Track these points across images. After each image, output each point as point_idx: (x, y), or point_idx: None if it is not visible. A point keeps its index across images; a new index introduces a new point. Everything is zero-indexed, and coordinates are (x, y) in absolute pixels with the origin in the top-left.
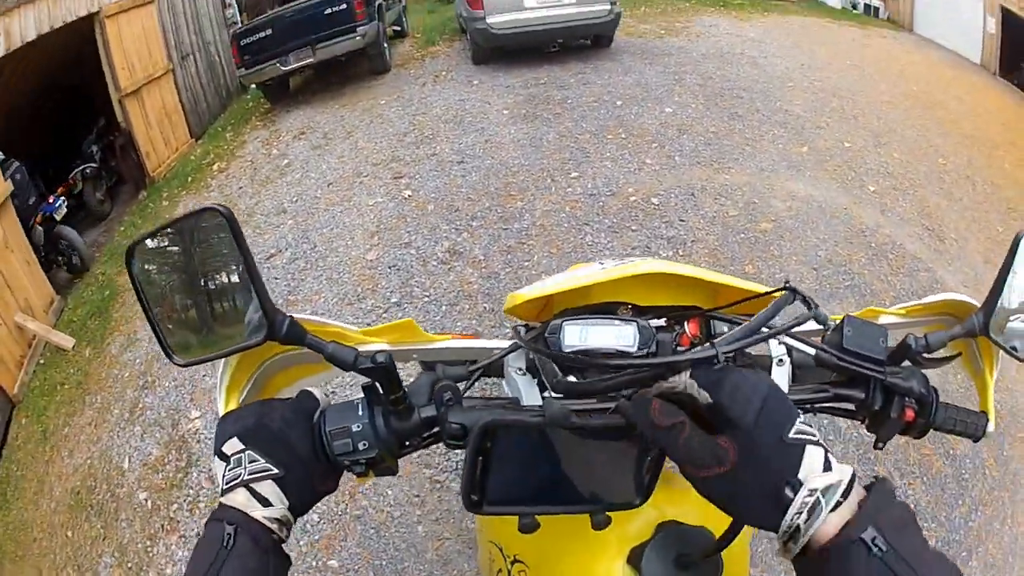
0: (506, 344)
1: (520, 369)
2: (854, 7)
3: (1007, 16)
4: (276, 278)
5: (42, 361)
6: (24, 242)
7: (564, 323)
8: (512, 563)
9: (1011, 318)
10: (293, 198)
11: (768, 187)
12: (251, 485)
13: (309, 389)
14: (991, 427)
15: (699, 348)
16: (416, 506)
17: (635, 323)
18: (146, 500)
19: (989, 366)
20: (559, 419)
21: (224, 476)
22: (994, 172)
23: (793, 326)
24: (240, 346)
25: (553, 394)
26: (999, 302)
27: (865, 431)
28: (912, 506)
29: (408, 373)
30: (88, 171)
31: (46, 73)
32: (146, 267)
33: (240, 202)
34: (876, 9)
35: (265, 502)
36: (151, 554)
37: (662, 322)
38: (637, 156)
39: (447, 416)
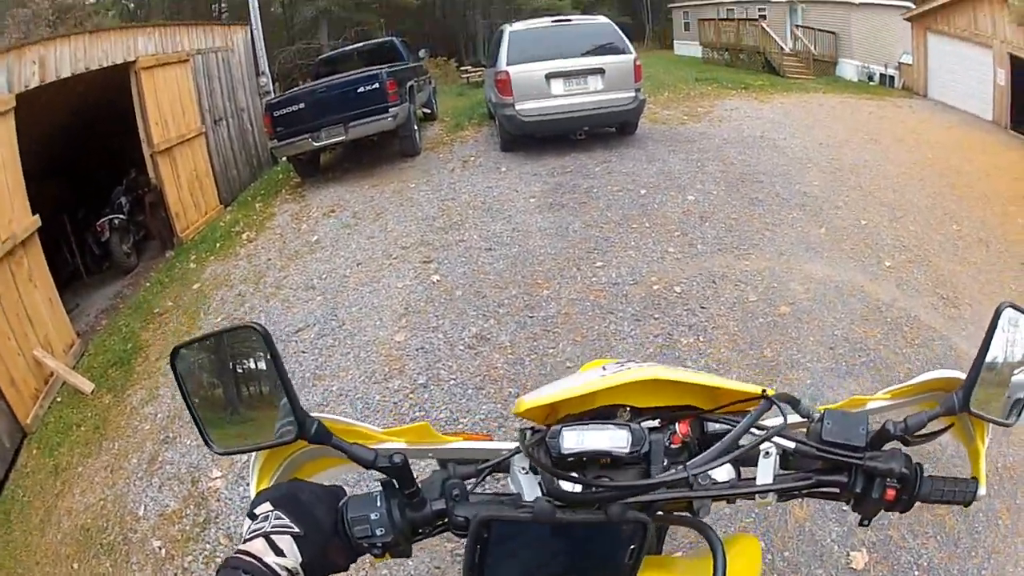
0: (512, 446)
1: (524, 468)
2: (871, 79)
3: (1016, 63)
4: (303, 352)
5: (59, 399)
6: (48, 279)
7: (563, 429)
8: None
9: (996, 384)
10: (322, 275)
11: (787, 270)
12: (271, 536)
13: (337, 484)
14: (982, 491)
15: (672, 471)
16: None
17: (628, 427)
18: (160, 548)
19: (980, 435)
20: (545, 516)
21: (248, 528)
22: (1008, 229)
23: (759, 441)
24: (273, 443)
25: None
26: (980, 376)
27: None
28: (926, 564)
29: (423, 468)
30: (116, 222)
31: (79, 116)
32: (189, 367)
33: (269, 274)
34: (891, 78)
35: (280, 552)
36: None
37: (656, 423)
38: (660, 245)
39: (454, 510)
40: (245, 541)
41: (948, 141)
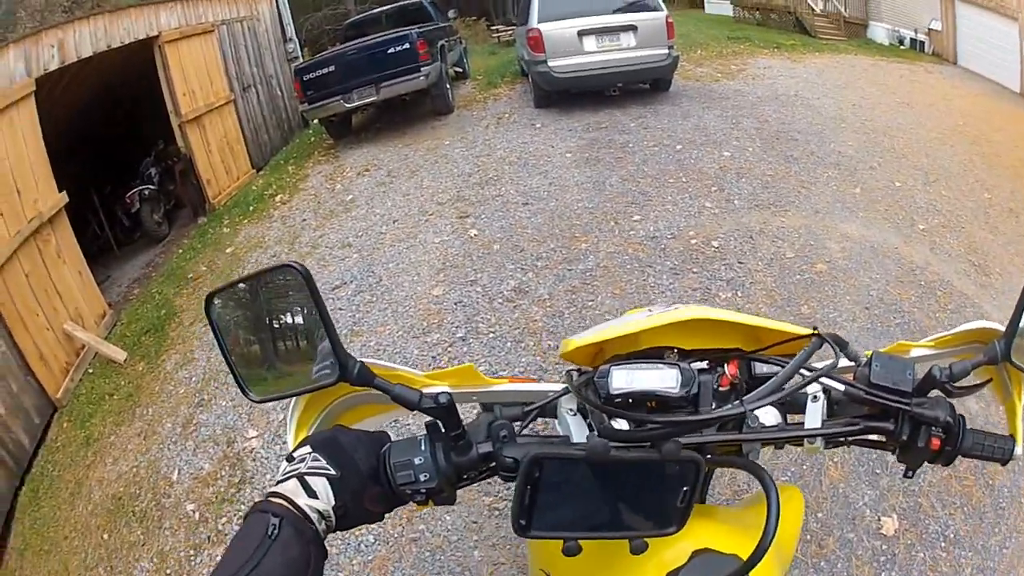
0: (559, 387)
1: (571, 410)
2: (901, 43)
3: None
4: (341, 309)
5: (91, 371)
6: (77, 254)
7: (612, 368)
8: None
9: None
10: (358, 233)
11: (823, 229)
12: (305, 477)
13: (383, 429)
14: (1019, 450)
15: (728, 406)
16: (473, 531)
17: (678, 367)
18: (193, 512)
19: (1018, 391)
20: (599, 453)
21: (283, 470)
22: None
23: (812, 380)
24: (314, 386)
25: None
26: (1020, 326)
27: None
28: (952, 536)
29: (468, 414)
30: (146, 192)
31: (104, 91)
32: (224, 313)
33: (304, 234)
34: (922, 44)
35: (312, 494)
36: (193, 563)
37: (704, 364)
38: (697, 200)
39: (502, 451)
40: (278, 483)
41: (977, 109)
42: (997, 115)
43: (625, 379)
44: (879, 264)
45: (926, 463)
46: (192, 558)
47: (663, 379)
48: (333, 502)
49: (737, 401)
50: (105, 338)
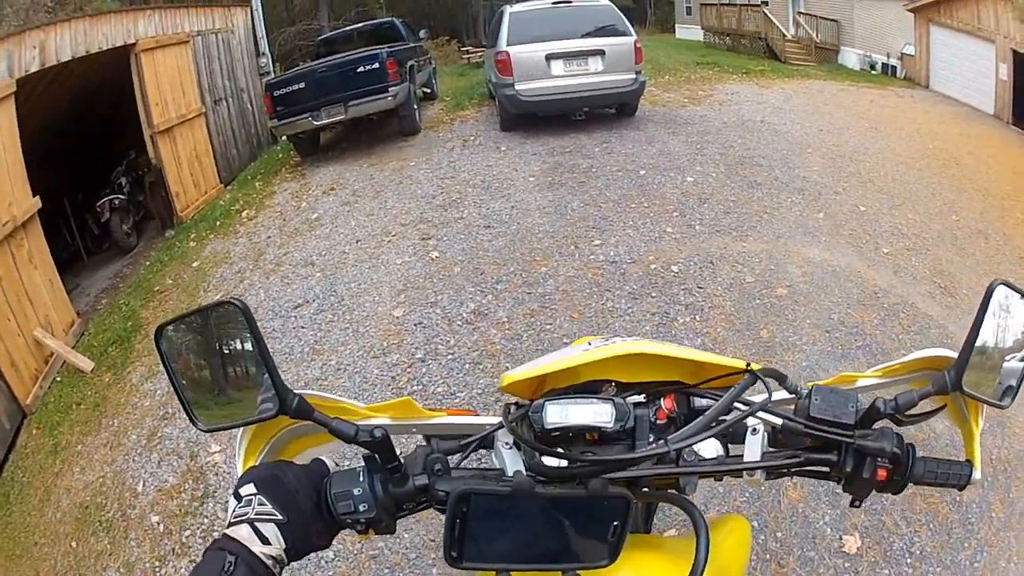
0: (496, 421)
1: (507, 444)
2: (872, 68)
3: (1019, 59)
4: (303, 327)
5: (59, 379)
6: (49, 260)
7: (546, 402)
8: None
9: (989, 367)
10: (321, 252)
11: (784, 253)
12: (256, 524)
13: (322, 458)
14: (976, 475)
15: (652, 445)
16: (432, 550)
17: (611, 401)
18: (158, 523)
19: (974, 416)
20: (524, 490)
21: (234, 511)
22: (1006, 223)
23: (743, 417)
24: (255, 418)
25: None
26: (972, 354)
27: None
28: (918, 552)
29: (408, 445)
30: (116, 202)
31: (81, 97)
32: (173, 345)
33: (268, 251)
34: (893, 68)
35: (265, 540)
36: (159, 574)
37: (641, 398)
38: (658, 225)
39: (436, 484)
40: (230, 524)
41: (949, 133)
42: (968, 138)
43: (559, 413)
44: (840, 288)
45: (875, 492)
46: (157, 569)
47: (597, 413)
48: (284, 545)
49: (662, 440)
50: (73, 347)
